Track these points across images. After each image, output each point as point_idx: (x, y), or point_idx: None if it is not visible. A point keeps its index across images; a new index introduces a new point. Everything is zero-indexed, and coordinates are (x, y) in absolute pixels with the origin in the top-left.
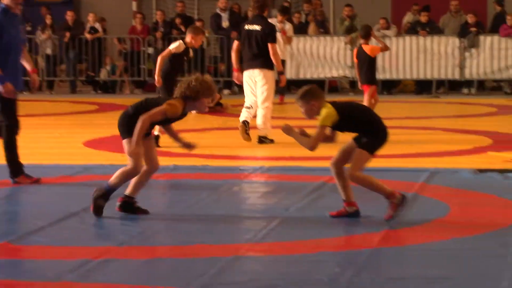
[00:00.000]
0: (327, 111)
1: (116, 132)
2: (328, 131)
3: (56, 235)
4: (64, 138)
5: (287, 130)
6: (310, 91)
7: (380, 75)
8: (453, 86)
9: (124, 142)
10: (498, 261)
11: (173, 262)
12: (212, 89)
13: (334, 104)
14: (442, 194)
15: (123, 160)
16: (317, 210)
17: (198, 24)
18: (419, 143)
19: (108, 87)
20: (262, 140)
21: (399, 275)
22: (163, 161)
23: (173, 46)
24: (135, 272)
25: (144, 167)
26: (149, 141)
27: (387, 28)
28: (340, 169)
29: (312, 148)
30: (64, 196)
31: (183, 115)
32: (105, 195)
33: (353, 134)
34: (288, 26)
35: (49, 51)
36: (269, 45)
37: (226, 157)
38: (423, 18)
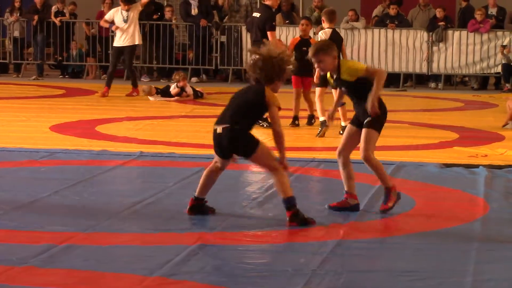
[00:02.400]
0: (353, 62)
1: (83, 117)
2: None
3: (20, 219)
4: (30, 122)
5: (373, 109)
6: (329, 43)
7: None
8: (421, 80)
9: (256, 155)
10: (462, 255)
11: (137, 249)
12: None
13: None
14: (408, 187)
15: (89, 145)
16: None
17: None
18: (385, 136)
19: (75, 73)
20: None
21: (363, 268)
22: (129, 148)
23: None
24: (99, 258)
25: (218, 166)
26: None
27: (356, 20)
28: (347, 158)
29: (383, 72)
30: (29, 180)
31: None
32: (294, 209)
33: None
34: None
35: (16, 34)
36: (268, 33)
37: (193, 145)
38: (392, 11)
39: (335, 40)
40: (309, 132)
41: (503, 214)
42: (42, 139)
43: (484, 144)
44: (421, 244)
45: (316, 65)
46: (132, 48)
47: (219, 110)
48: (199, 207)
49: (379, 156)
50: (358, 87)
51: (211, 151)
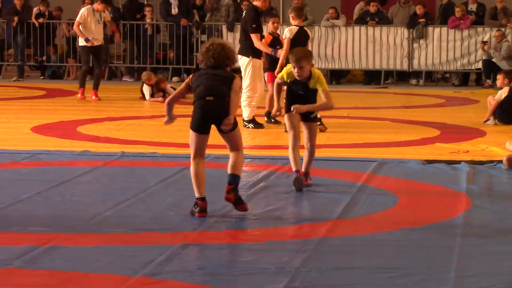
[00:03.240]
0: (321, 76)
1: (64, 118)
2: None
3: (1, 221)
4: (11, 123)
5: (298, 108)
6: (310, 52)
7: (329, 65)
8: (402, 77)
9: (237, 131)
10: (445, 252)
11: (120, 249)
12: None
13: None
14: (390, 184)
15: (70, 146)
16: (265, 198)
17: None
18: (367, 133)
19: (56, 74)
20: (245, 124)
21: (346, 265)
22: (110, 148)
23: None
24: (82, 259)
25: (201, 159)
26: None
27: (337, 17)
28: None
29: (333, 106)
30: (11, 182)
31: None
32: (236, 185)
33: None
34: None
35: None
36: (251, 35)
37: (175, 145)
38: (372, 8)
39: (301, 37)
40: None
41: (485, 209)
42: (24, 140)
43: (465, 140)
44: (403, 240)
45: (296, 70)
46: (104, 47)
47: None
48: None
49: (361, 153)
50: (313, 94)
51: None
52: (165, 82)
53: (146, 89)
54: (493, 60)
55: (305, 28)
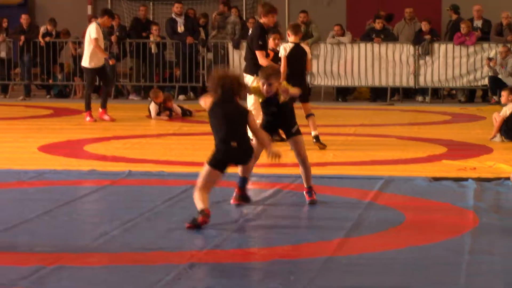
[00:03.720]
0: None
1: (71, 137)
2: None
3: (9, 241)
4: (18, 142)
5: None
6: (279, 72)
7: (335, 82)
8: (408, 94)
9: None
10: (453, 269)
11: (128, 269)
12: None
13: None
14: (397, 202)
15: (77, 165)
16: (272, 216)
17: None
18: (373, 151)
19: (63, 93)
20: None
21: (353, 284)
22: (117, 167)
23: None
24: (89, 279)
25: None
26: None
27: (342, 34)
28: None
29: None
30: (18, 201)
31: None
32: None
33: None
34: None
35: (3, 54)
36: (256, 53)
37: (182, 163)
38: (378, 25)
39: (298, 54)
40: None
41: (492, 226)
42: (31, 159)
43: (472, 157)
44: (411, 258)
45: (265, 87)
46: (111, 66)
47: (206, 128)
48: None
49: (368, 170)
50: (286, 108)
51: (200, 169)
52: (171, 100)
53: (153, 107)
54: (499, 76)
55: (302, 45)
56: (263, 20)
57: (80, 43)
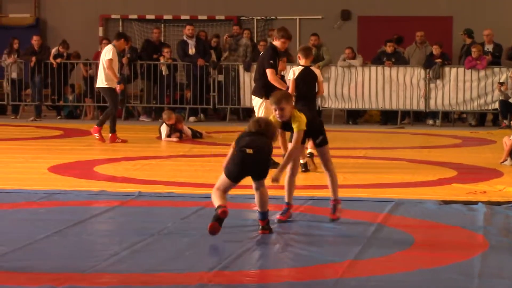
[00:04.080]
0: (302, 117)
1: (81, 157)
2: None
3: (19, 261)
4: (28, 163)
5: (277, 181)
6: (289, 94)
7: (346, 105)
8: (418, 117)
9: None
10: None
11: None
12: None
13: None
14: (407, 225)
15: (87, 186)
16: (282, 239)
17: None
18: (384, 174)
19: (73, 114)
20: None
21: None
22: (127, 188)
23: None
24: None
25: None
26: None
27: (353, 57)
28: (295, 171)
29: (295, 149)
30: (28, 222)
31: None
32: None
33: None
34: None
35: (14, 75)
36: (266, 71)
37: (192, 185)
38: (389, 48)
39: (307, 77)
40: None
41: (502, 250)
42: (41, 180)
43: (482, 180)
44: (420, 281)
45: (277, 112)
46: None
47: (217, 149)
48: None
49: (378, 193)
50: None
51: (210, 190)
52: (182, 122)
53: (164, 129)
54: (510, 100)
55: (312, 68)
56: (276, 42)
57: (91, 65)
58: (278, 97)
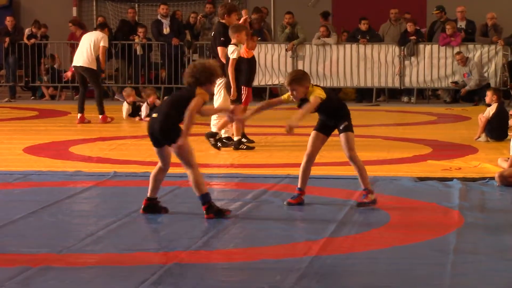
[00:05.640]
0: (319, 91)
1: (56, 138)
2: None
3: None
4: (3, 144)
5: (291, 129)
6: (305, 75)
7: (321, 83)
8: (393, 94)
9: (178, 147)
10: (438, 269)
11: (112, 269)
12: (218, 72)
13: (319, 86)
14: (383, 202)
15: (63, 166)
16: (258, 217)
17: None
18: (359, 151)
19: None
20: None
21: (339, 284)
22: (103, 168)
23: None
24: (75, 280)
25: (160, 166)
26: None
27: (328, 36)
28: (312, 162)
29: (308, 112)
30: (3, 203)
31: None
32: (208, 203)
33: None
34: None
35: None
36: (217, 49)
37: None
38: (363, 26)
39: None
40: (276, 148)
41: (478, 226)
42: (16, 161)
43: (457, 157)
44: (395, 258)
45: (290, 92)
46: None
47: (193, 129)
48: (152, 207)
49: (354, 171)
50: (326, 107)
51: (182, 170)
52: (155, 95)
53: (125, 107)
54: (468, 88)
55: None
56: (223, 20)
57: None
58: (288, 78)
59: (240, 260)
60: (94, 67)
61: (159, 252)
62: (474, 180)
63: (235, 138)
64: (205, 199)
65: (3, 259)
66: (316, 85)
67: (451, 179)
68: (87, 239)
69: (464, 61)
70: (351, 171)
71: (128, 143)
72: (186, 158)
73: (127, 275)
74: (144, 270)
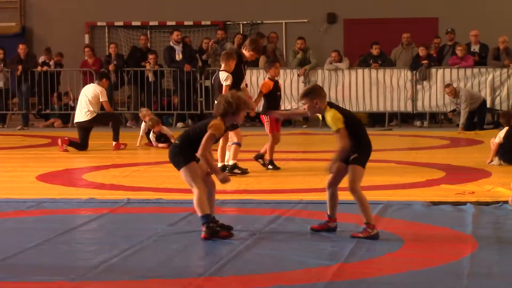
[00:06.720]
0: (333, 115)
1: (70, 165)
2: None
3: (7, 270)
4: (16, 172)
5: (332, 168)
6: (315, 89)
7: None
8: (406, 119)
9: (181, 172)
10: None
11: None
12: (248, 102)
13: (338, 108)
14: (396, 227)
15: (76, 194)
16: (271, 243)
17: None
18: (372, 176)
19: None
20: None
21: None
22: (116, 195)
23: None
24: None
25: (206, 189)
26: (201, 165)
27: (340, 60)
28: (335, 191)
29: (346, 145)
30: (17, 230)
31: (225, 131)
32: (207, 224)
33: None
34: None
35: (1, 84)
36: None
37: (180, 191)
38: (375, 51)
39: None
40: (289, 174)
41: (491, 251)
42: (29, 189)
43: (471, 181)
44: (409, 283)
45: (304, 107)
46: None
47: None
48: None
49: (367, 195)
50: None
51: None
52: (159, 124)
53: (142, 127)
54: (461, 117)
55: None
56: (245, 52)
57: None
58: (302, 92)
59: (254, 286)
60: (97, 112)
61: (174, 279)
62: (487, 204)
63: (230, 162)
64: (205, 219)
65: None
66: (336, 106)
67: (464, 203)
68: (101, 267)
69: (454, 93)
70: (367, 195)
71: (141, 169)
72: (189, 181)
73: None
74: None
